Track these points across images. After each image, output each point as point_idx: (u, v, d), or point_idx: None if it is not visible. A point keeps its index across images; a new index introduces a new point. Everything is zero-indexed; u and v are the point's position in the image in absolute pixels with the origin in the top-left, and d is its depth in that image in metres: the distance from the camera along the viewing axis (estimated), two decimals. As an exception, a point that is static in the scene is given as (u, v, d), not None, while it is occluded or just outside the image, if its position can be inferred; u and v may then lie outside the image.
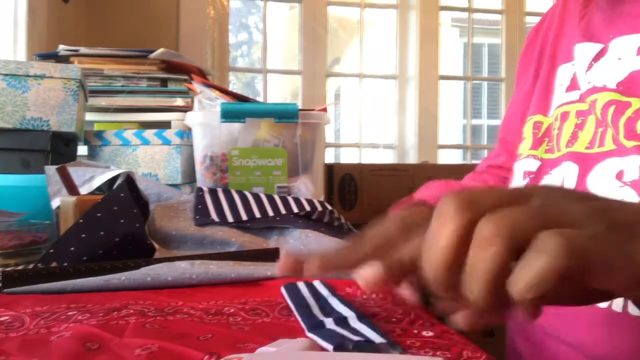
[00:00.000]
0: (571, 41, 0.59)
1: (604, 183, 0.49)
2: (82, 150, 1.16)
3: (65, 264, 0.59)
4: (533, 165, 0.59)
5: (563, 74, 0.60)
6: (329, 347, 0.35)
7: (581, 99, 0.55)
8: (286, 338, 0.33)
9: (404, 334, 0.39)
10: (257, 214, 0.82)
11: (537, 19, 0.68)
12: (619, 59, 0.51)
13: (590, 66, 0.54)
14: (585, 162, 0.52)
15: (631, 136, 0.48)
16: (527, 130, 0.63)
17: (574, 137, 0.55)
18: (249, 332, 0.40)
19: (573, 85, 0.57)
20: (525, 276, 0.22)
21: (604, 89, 0.51)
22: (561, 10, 0.65)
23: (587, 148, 0.53)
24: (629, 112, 0.48)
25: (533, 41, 0.69)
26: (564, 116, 0.57)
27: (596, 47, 0.54)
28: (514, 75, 0.74)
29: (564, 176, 0.54)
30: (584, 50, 0.56)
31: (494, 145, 0.83)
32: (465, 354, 0.36)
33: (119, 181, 0.78)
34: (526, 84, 0.68)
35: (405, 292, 0.38)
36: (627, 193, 0.47)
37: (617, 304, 0.44)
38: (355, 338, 0.36)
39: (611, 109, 0.50)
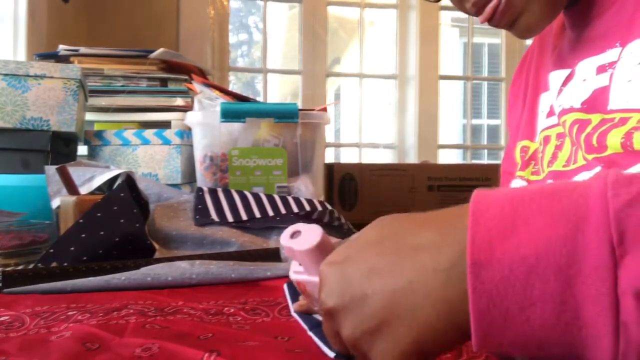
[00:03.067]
0: (547, 70, 0.63)
1: None
2: (82, 150, 1.16)
3: (65, 264, 0.59)
4: (520, 185, 0.63)
5: (544, 102, 0.65)
6: (330, 354, 0.35)
7: (558, 123, 0.59)
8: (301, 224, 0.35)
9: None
10: (257, 214, 0.82)
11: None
12: (584, 80, 0.54)
13: (560, 91, 0.58)
14: (562, 179, 0.56)
15: (590, 150, 0.51)
16: (517, 155, 0.68)
17: (554, 157, 0.59)
18: (249, 332, 0.40)
19: (552, 111, 0.61)
20: None
21: (570, 109, 0.55)
22: (539, 44, 0.69)
23: (564, 166, 0.57)
24: (588, 129, 0.51)
25: (518, 78, 0.74)
26: (546, 140, 0.62)
27: (565, 72, 0.58)
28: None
29: None
30: (556, 77, 0.60)
31: (493, 145, 0.85)
32: (466, 353, 0.36)
33: (119, 181, 0.78)
34: (517, 115, 0.72)
35: None
36: None
37: None
38: None
39: (575, 128, 0.53)
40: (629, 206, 0.23)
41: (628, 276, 0.22)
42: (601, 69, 0.52)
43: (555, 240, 0.24)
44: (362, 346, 0.29)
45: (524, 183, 0.63)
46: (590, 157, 0.51)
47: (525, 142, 0.67)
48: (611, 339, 0.23)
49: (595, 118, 0.51)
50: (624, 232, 0.22)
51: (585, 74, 0.54)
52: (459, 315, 0.26)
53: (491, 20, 0.55)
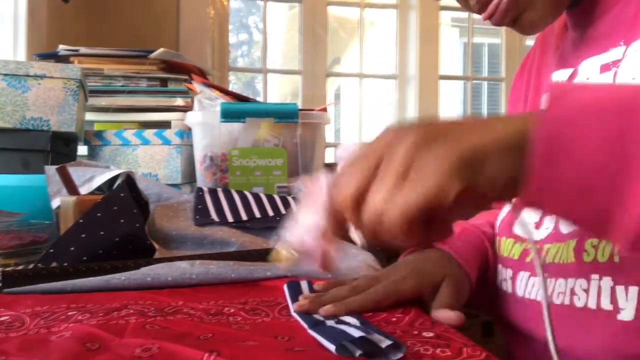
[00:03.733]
0: (549, 71, 0.63)
1: None
2: (82, 150, 1.16)
3: (65, 264, 0.59)
4: None
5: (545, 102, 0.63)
6: (331, 347, 0.35)
7: None
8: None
9: (405, 335, 0.39)
10: (257, 214, 0.82)
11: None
12: (587, 78, 0.54)
13: None
14: None
15: None
16: None
17: None
18: (249, 332, 0.40)
19: None
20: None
21: None
22: (540, 44, 0.69)
23: None
24: None
25: (520, 79, 0.73)
26: None
27: (568, 72, 0.58)
28: (514, 75, 0.77)
29: None
30: (559, 77, 0.59)
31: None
32: (466, 351, 0.36)
33: (119, 181, 0.78)
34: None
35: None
36: None
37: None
38: (357, 334, 0.36)
39: None
40: None
41: None
42: (605, 68, 0.52)
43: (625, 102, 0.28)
44: (418, 154, 0.29)
45: None
46: None
47: None
48: None
49: None
50: None
51: (589, 73, 0.54)
52: (527, 134, 0.29)
53: (493, 18, 0.55)
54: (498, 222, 0.63)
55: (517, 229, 0.58)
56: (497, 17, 0.55)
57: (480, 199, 0.31)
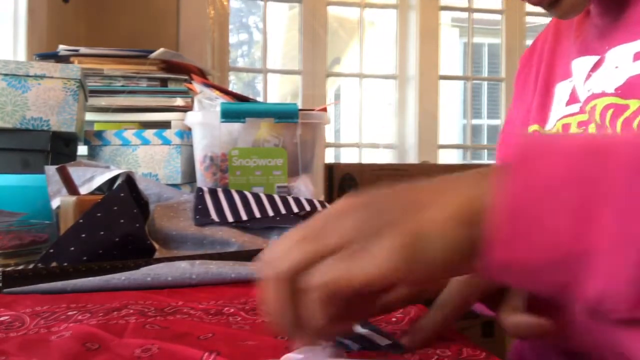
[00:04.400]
0: (568, 59, 0.61)
1: None
2: (82, 150, 1.16)
3: (65, 264, 0.59)
4: None
5: (561, 91, 0.62)
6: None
7: (581, 111, 0.57)
8: (309, 346, 0.32)
9: (405, 335, 0.39)
10: (257, 214, 0.82)
11: (537, 19, 0.70)
12: (616, 67, 0.52)
13: (588, 76, 0.56)
14: None
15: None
16: None
17: None
18: (249, 332, 0.40)
19: (573, 99, 0.59)
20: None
21: (602, 94, 0.53)
22: (554, 31, 0.67)
23: None
24: (627, 113, 0.50)
25: (527, 64, 0.71)
26: (566, 128, 0.59)
27: (593, 59, 0.56)
28: (514, 75, 0.75)
29: None
30: (582, 64, 0.58)
31: (494, 145, 0.83)
32: (466, 351, 0.36)
33: (119, 181, 0.78)
34: (524, 103, 0.69)
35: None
36: None
37: None
38: (356, 346, 0.36)
39: (609, 112, 0.51)
40: None
41: None
42: (638, 56, 0.50)
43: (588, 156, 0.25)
44: (358, 235, 0.27)
45: None
46: None
47: (535, 127, 0.64)
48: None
49: (634, 104, 0.50)
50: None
51: (618, 61, 0.52)
52: (480, 211, 0.26)
53: None
54: None
55: None
56: None
57: (423, 280, 0.29)
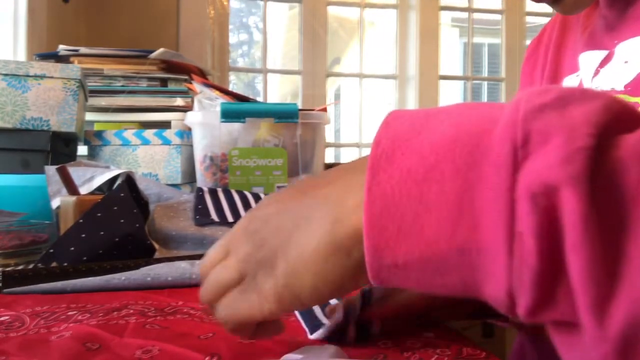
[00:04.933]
0: (575, 52, 0.60)
1: None
2: (82, 150, 1.16)
3: (65, 264, 0.59)
4: None
5: (569, 84, 0.61)
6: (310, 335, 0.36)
7: None
8: (311, 345, 0.33)
9: (405, 335, 0.39)
10: (257, 214, 0.82)
11: (537, 19, 0.69)
12: (626, 62, 0.51)
13: (596, 72, 0.55)
14: None
15: None
16: None
17: None
18: (249, 332, 0.40)
19: None
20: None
21: (611, 92, 0.52)
22: (561, 24, 0.66)
23: None
24: None
25: (534, 54, 0.70)
26: None
27: (601, 53, 0.55)
28: (514, 75, 0.75)
29: None
30: (589, 58, 0.56)
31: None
32: (465, 351, 0.36)
33: (119, 181, 0.78)
34: None
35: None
36: None
37: None
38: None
39: None
40: (539, 110, 0.21)
41: (524, 179, 0.20)
42: None
43: (458, 142, 0.22)
44: (247, 267, 0.29)
45: None
46: None
47: None
48: (505, 254, 0.20)
49: None
50: (529, 134, 0.20)
51: (628, 56, 0.51)
52: (349, 236, 0.24)
53: None
54: None
55: None
56: None
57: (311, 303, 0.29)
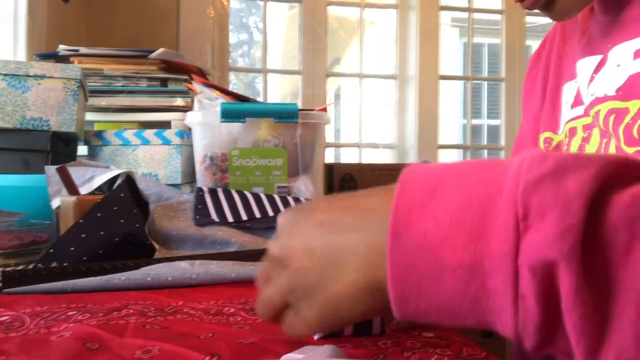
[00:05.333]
0: (574, 59, 0.60)
1: None
2: (82, 150, 1.16)
3: (65, 264, 0.59)
4: None
5: (568, 92, 0.61)
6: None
7: (585, 113, 0.56)
8: (311, 345, 0.33)
9: (405, 334, 0.39)
10: (257, 214, 0.82)
11: (537, 19, 0.69)
12: (618, 65, 0.52)
13: (591, 79, 0.55)
14: None
15: (631, 142, 0.48)
16: (539, 147, 0.65)
17: (580, 151, 0.56)
18: (249, 331, 0.40)
19: (577, 101, 0.59)
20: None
21: (605, 98, 0.52)
22: (561, 31, 0.66)
23: None
24: (627, 119, 0.49)
25: (536, 65, 0.71)
26: (572, 132, 0.58)
27: (596, 59, 0.55)
28: (514, 75, 0.75)
29: None
30: (586, 65, 0.57)
31: (493, 145, 0.83)
32: (466, 351, 0.36)
33: (119, 181, 0.78)
34: (534, 106, 0.69)
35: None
36: None
37: None
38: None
39: (612, 118, 0.51)
40: (537, 182, 0.24)
41: (526, 251, 0.23)
42: (638, 54, 0.49)
43: (469, 211, 0.25)
44: (293, 294, 0.32)
45: None
46: (631, 150, 0.48)
47: (548, 134, 0.64)
48: (511, 310, 0.24)
49: (634, 106, 0.49)
50: (528, 209, 0.23)
51: (620, 59, 0.51)
52: (381, 281, 0.28)
53: (526, 1, 0.53)
54: None
55: None
56: (530, 1, 0.53)
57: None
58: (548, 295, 0.23)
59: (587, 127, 0.56)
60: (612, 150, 0.51)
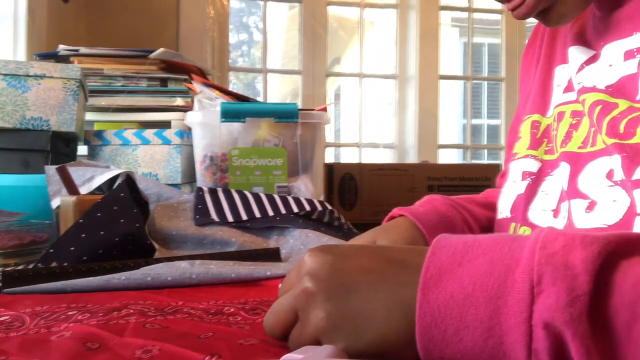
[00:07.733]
0: (565, 44, 0.60)
1: (594, 182, 0.50)
2: (82, 150, 1.16)
3: (65, 264, 0.59)
4: (533, 165, 0.59)
5: (560, 75, 0.61)
6: None
7: (577, 100, 0.56)
8: (311, 345, 0.33)
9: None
10: (257, 214, 0.82)
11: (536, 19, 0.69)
12: (610, 65, 0.52)
13: (581, 68, 0.55)
14: (577, 162, 0.53)
15: (613, 134, 0.48)
16: (525, 130, 0.63)
17: (567, 137, 0.55)
18: (249, 331, 0.40)
19: (570, 87, 0.58)
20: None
21: (593, 89, 0.52)
22: None
23: (579, 148, 0.53)
24: (614, 112, 0.49)
25: (533, 43, 0.70)
26: (560, 116, 0.58)
27: (589, 52, 0.55)
28: (514, 75, 0.75)
29: (560, 177, 0.54)
30: (577, 53, 0.57)
31: (493, 145, 0.83)
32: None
33: (119, 181, 0.78)
34: (528, 85, 0.68)
35: None
36: (617, 192, 0.47)
37: None
38: None
39: (597, 109, 0.51)
40: (550, 256, 0.28)
41: (539, 311, 0.27)
42: (629, 55, 0.50)
43: (490, 276, 0.29)
44: (332, 333, 0.33)
45: (538, 164, 0.59)
46: (610, 141, 0.48)
47: (536, 117, 0.63)
48: None
49: (623, 104, 0.49)
50: (542, 276, 0.27)
51: (612, 59, 0.51)
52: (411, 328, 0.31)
53: (518, 10, 0.52)
54: (505, 205, 0.61)
55: (532, 216, 0.57)
56: (523, 11, 0.52)
57: None
58: (559, 352, 0.26)
59: (577, 114, 0.56)
60: (599, 139, 0.51)
